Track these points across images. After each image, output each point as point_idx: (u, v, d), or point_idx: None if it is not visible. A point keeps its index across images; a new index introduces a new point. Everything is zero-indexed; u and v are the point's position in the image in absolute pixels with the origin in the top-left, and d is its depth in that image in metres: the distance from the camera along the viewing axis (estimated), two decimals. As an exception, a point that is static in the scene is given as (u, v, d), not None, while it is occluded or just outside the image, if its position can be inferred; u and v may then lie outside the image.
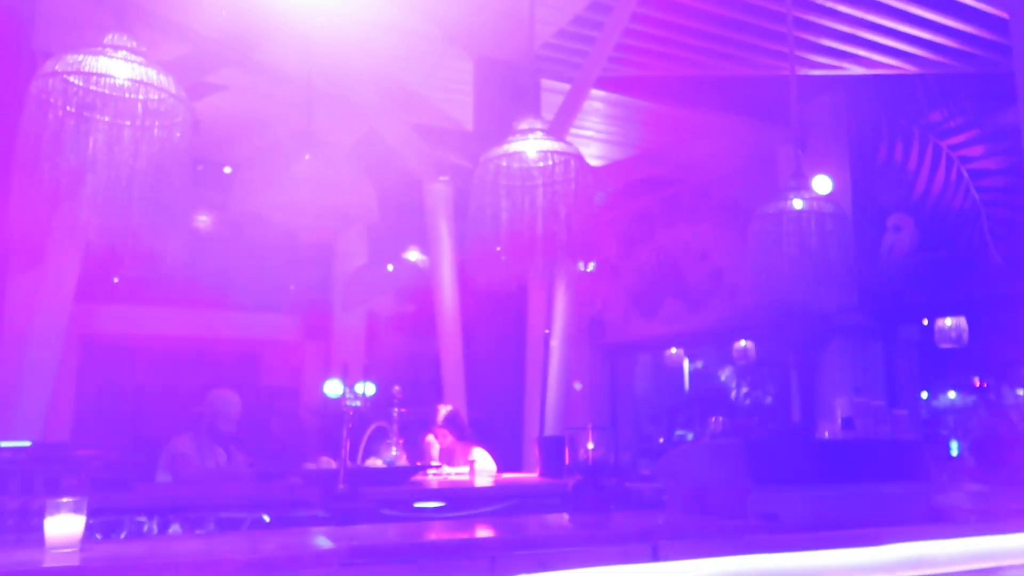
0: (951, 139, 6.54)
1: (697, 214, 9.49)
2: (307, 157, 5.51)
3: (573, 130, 7.33)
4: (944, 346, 7.76)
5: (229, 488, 3.53)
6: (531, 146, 3.44)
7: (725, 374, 11.81)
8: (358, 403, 3.38)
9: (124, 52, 2.69)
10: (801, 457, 2.69)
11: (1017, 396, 12.20)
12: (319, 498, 3.33)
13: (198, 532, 2.81)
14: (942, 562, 2.69)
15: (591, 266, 9.69)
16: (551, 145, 3.45)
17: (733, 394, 11.49)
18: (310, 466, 3.65)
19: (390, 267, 6.93)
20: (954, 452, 8.74)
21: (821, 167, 7.27)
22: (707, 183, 9.27)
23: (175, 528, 2.82)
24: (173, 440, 4.10)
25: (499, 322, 6.03)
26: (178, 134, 2.79)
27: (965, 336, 7.71)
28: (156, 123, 2.77)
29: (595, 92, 6.95)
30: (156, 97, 2.72)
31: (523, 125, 3.49)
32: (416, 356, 11.11)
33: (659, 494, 2.81)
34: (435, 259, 6.21)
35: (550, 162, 3.48)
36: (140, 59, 2.71)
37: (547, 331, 6.16)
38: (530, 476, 4.61)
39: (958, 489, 3.78)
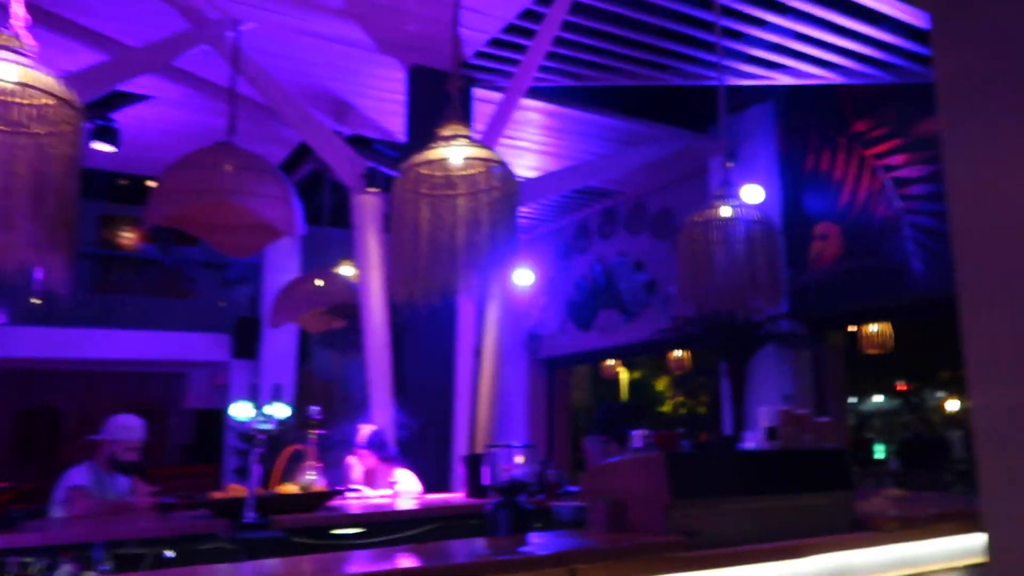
0: (875, 148, 6.67)
1: (633, 225, 9.53)
2: (229, 168, 5.30)
3: (509, 141, 7.26)
4: (870, 352, 7.96)
5: (128, 522, 3.29)
6: (453, 152, 3.30)
7: (662, 384, 11.88)
8: (269, 426, 3.20)
9: (8, 53, 2.48)
10: (724, 469, 2.62)
11: (938, 399, 12.58)
12: (226, 529, 3.13)
13: (87, 573, 2.59)
14: (865, 571, 2.66)
15: (528, 278, 9.61)
16: (474, 151, 3.32)
17: (669, 405, 11.56)
18: (218, 495, 3.44)
19: (320, 282, 6.69)
20: (880, 455, 8.91)
21: (752, 177, 7.35)
22: (643, 194, 9.32)
23: (65, 569, 2.59)
24: (68, 472, 3.82)
25: (430, 337, 5.88)
26: (66, 143, 2.58)
27: (890, 342, 7.93)
28: (42, 130, 2.56)
29: (530, 102, 6.90)
30: (42, 102, 2.52)
31: (446, 131, 3.36)
32: (347, 374, 10.86)
33: (582, 512, 2.71)
34: (364, 273, 6.04)
35: (473, 170, 3.36)
36: (28, 60, 2.51)
37: (478, 345, 6.04)
38: (456, 496, 4.47)
39: (881, 496, 3.79)
